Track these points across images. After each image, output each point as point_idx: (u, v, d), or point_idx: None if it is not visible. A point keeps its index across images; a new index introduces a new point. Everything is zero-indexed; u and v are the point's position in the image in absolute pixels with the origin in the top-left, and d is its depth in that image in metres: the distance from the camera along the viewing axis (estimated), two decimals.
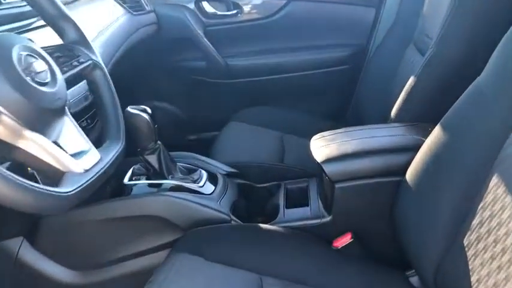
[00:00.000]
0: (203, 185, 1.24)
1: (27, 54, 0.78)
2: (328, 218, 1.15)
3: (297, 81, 2.00)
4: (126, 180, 1.25)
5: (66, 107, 0.86)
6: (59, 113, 0.83)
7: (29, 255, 1.18)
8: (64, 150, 0.80)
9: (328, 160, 1.12)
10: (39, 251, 1.19)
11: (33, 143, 0.74)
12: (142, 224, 1.16)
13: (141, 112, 1.18)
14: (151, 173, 1.23)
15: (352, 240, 1.11)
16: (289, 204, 1.25)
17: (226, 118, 1.82)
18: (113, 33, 1.60)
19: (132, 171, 1.27)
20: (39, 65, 0.78)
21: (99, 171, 0.84)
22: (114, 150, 0.92)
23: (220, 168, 1.36)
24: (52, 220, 1.17)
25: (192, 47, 1.96)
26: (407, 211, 1.03)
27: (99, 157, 0.88)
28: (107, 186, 1.24)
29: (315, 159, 1.14)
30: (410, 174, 1.02)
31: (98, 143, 0.98)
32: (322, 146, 1.16)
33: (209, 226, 1.13)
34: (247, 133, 1.68)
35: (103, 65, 1.00)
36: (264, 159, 1.48)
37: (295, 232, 1.13)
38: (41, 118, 0.77)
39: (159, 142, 1.23)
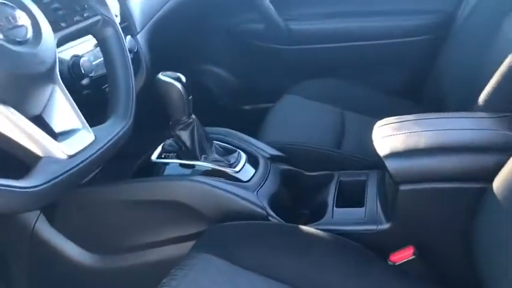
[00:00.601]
0: (240, 170, 1.06)
1: (2, 3, 0.61)
2: (386, 226, 0.94)
3: (367, 51, 1.74)
4: (154, 157, 1.09)
5: (56, 73, 0.69)
6: (44, 80, 0.66)
7: (45, 231, 1.08)
8: (50, 127, 0.64)
9: (393, 154, 0.90)
10: (55, 228, 1.07)
11: (2, 118, 0.58)
12: (166, 210, 1.01)
13: (173, 80, 1.01)
14: (182, 151, 1.07)
15: (414, 257, 0.89)
16: (340, 202, 1.04)
17: (285, 89, 1.61)
18: None
19: (163, 147, 1.11)
20: (17, 18, 0.62)
21: (88, 157, 0.68)
22: (115, 131, 0.75)
23: (264, 150, 1.17)
24: (69, 197, 1.05)
25: (250, 6, 1.74)
26: (491, 227, 0.81)
27: (93, 139, 0.71)
28: (133, 163, 1.10)
29: (377, 152, 0.92)
30: (500, 182, 0.79)
31: None
32: (387, 136, 0.94)
33: (240, 222, 0.95)
34: (303, 109, 1.47)
35: (116, 21, 0.83)
36: (318, 141, 1.26)
37: (343, 240, 0.92)
38: (15, 86, 0.60)
39: (193, 116, 1.05)
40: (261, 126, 1.40)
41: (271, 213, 0.99)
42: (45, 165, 0.61)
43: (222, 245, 0.89)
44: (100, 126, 0.76)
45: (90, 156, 0.68)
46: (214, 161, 1.06)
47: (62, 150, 0.64)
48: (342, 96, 1.55)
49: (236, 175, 1.05)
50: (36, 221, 1.08)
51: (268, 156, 1.16)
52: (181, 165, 1.06)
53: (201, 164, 1.05)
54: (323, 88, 1.60)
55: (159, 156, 1.09)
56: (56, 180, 0.61)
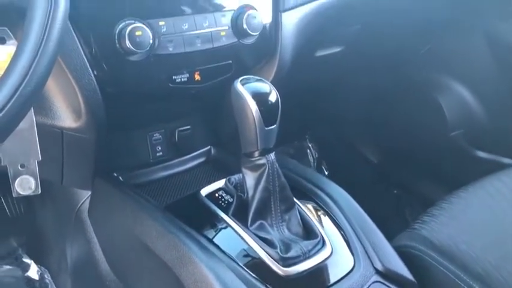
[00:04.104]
0: (299, 275, 0.62)
1: None
2: None
3: None
4: (204, 191, 0.74)
5: None
6: None
7: (85, 219, 0.87)
8: None
9: None
10: (92, 223, 0.86)
11: None
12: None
13: (249, 95, 0.62)
14: (242, 198, 0.69)
15: None
16: None
17: None
18: None
19: (228, 180, 0.74)
20: None
21: None
22: None
23: (380, 253, 0.67)
24: (108, 197, 0.81)
25: None
26: None
27: None
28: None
29: None
30: None
31: None
32: None
33: None
34: None
35: None
36: None
37: None
38: None
39: (270, 157, 0.65)
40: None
41: None
42: None
43: None
44: None
45: None
46: (268, 242, 0.64)
47: None
48: None
49: (285, 282, 0.61)
50: (83, 202, 0.89)
51: (379, 268, 0.66)
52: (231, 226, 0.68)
53: (247, 240, 0.65)
54: None
55: (211, 193, 0.73)
56: None
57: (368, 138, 1.60)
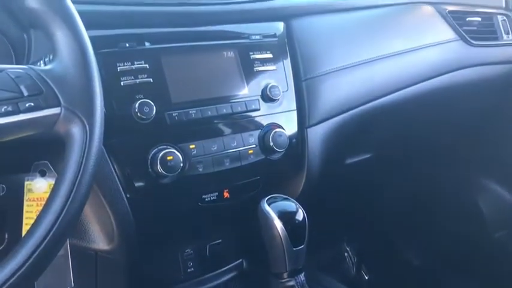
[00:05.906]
0: None
1: None
2: None
3: None
4: None
5: None
6: None
7: None
8: None
9: None
10: None
11: None
12: None
13: (275, 215, 0.63)
14: None
15: None
16: None
17: None
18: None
19: None
20: None
21: None
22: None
23: None
24: None
25: None
26: None
27: None
28: None
29: None
30: None
31: None
32: None
33: None
34: None
35: (97, 123, 0.50)
36: None
37: None
38: None
39: (300, 278, 0.64)
40: None
41: None
42: None
43: None
44: None
45: None
46: None
47: None
48: None
49: None
50: None
51: None
52: None
53: None
54: None
55: None
56: None
57: (409, 240, 1.56)
